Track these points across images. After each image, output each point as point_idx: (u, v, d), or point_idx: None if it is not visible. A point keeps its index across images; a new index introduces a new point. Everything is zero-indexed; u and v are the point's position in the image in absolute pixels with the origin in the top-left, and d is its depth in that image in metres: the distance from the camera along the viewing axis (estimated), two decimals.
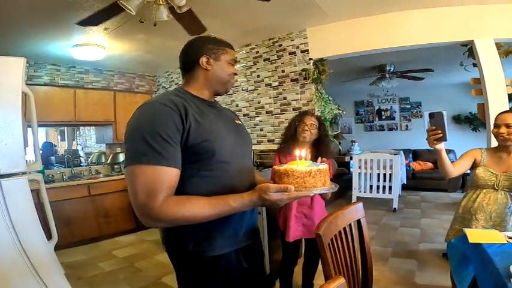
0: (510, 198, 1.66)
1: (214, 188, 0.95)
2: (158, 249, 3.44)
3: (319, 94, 3.30)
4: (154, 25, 2.13)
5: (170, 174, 0.87)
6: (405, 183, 5.74)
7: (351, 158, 5.75)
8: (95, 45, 3.43)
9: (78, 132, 5.00)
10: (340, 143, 5.05)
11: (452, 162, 1.72)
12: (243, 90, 3.92)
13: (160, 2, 1.99)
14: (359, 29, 3.11)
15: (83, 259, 3.28)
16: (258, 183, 1.01)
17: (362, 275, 1.32)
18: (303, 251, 2.26)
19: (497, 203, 1.67)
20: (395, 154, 4.99)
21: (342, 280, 0.73)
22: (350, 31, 3.16)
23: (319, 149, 1.97)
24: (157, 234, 3.68)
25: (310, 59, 3.32)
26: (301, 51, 3.39)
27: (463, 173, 1.86)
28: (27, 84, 2.11)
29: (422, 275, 2.56)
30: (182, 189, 0.92)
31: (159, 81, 5.20)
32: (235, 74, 1.14)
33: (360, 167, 4.98)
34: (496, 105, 2.62)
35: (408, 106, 7.26)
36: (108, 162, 4.63)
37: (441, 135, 1.49)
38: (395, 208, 4.65)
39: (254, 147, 3.48)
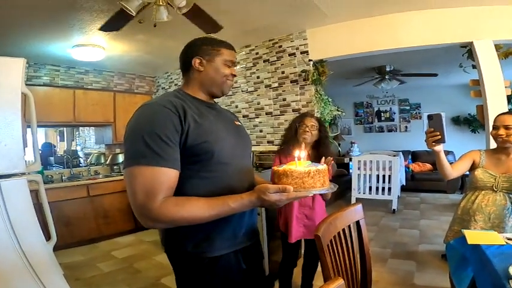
0: (509, 199, 1.67)
1: (214, 189, 0.95)
2: (157, 250, 3.44)
3: (319, 95, 3.31)
4: (154, 26, 2.14)
5: (169, 175, 0.87)
6: (404, 184, 5.74)
7: (350, 159, 5.77)
8: (94, 46, 3.43)
9: (77, 133, 4.98)
10: (339, 144, 5.06)
11: (451, 163, 1.72)
12: (242, 91, 3.93)
13: (160, 3, 1.99)
14: (359, 30, 3.12)
15: (81, 260, 3.27)
16: (258, 184, 1.00)
17: (361, 276, 1.32)
18: (303, 251, 2.26)
19: (496, 204, 1.67)
20: (394, 155, 4.99)
21: (340, 281, 0.73)
22: (350, 32, 3.16)
23: (319, 151, 1.98)
24: (156, 235, 3.67)
25: (309, 60, 3.33)
26: (301, 53, 3.39)
27: (462, 175, 1.86)
28: (26, 84, 2.11)
29: (421, 276, 2.56)
30: (181, 190, 0.92)
31: (158, 82, 5.20)
32: (234, 75, 1.10)
33: (359, 168, 4.98)
34: (495, 107, 2.62)
35: (407, 107, 7.27)
36: (107, 163, 4.62)
37: (440, 137, 1.50)
38: (394, 209, 4.65)
39: (253, 148, 3.48)
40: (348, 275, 1.22)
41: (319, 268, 1.43)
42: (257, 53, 3.75)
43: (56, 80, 4.09)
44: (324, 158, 1.29)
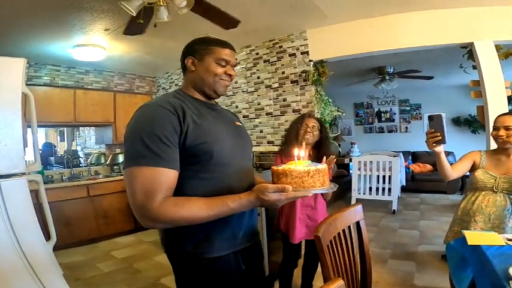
0: (509, 200, 1.67)
1: (213, 190, 0.95)
2: (157, 250, 3.44)
3: (319, 96, 3.30)
4: (155, 26, 2.14)
5: (168, 176, 0.87)
6: (404, 185, 5.74)
7: (351, 160, 5.76)
8: (95, 46, 3.43)
9: (77, 133, 4.99)
10: (339, 145, 5.04)
11: (451, 164, 1.72)
12: (242, 91, 3.93)
13: (161, 3, 1.99)
14: (359, 31, 3.12)
15: (81, 260, 3.27)
16: (257, 184, 1.00)
17: (361, 277, 1.32)
18: (303, 252, 2.26)
19: (496, 205, 1.67)
20: (394, 156, 4.99)
21: (340, 282, 0.72)
22: (350, 33, 3.16)
23: (320, 151, 1.98)
24: (156, 235, 3.67)
25: (310, 60, 3.33)
26: (301, 53, 3.39)
27: (462, 175, 1.86)
28: (27, 84, 2.12)
29: (421, 276, 2.56)
30: (181, 190, 0.92)
31: (159, 82, 5.20)
32: (229, 74, 1.05)
33: (359, 169, 4.98)
34: (495, 108, 2.62)
35: (408, 108, 7.27)
36: (107, 163, 4.62)
37: (440, 137, 1.50)
38: (394, 210, 4.65)
39: (254, 148, 3.48)
40: (347, 275, 1.22)
41: (319, 268, 1.43)
42: (257, 54, 3.75)
43: (56, 80, 4.09)
44: (325, 157, 1.29)
